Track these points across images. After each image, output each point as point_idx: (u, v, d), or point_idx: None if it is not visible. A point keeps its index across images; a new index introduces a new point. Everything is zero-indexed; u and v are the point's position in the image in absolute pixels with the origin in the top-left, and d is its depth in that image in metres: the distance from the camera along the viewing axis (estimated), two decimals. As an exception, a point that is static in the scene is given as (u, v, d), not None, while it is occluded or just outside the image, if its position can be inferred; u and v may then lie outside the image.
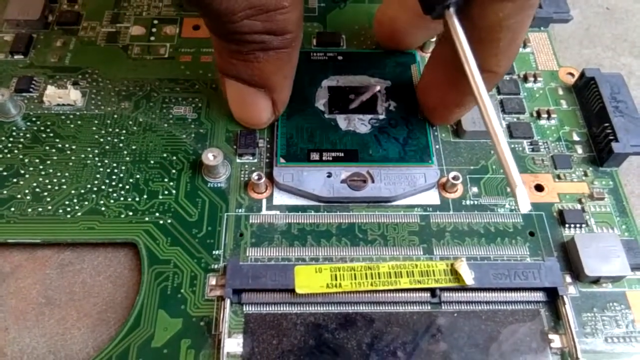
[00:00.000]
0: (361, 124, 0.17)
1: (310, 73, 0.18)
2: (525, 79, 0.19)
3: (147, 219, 0.16)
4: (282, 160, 0.16)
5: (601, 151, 0.17)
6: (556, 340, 0.14)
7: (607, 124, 0.17)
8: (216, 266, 0.15)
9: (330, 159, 0.16)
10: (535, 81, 0.19)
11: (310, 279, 0.14)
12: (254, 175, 0.16)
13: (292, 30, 0.14)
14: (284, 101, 0.17)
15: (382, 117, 0.17)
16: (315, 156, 0.16)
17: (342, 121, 0.17)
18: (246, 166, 0.17)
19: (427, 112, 0.17)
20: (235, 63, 0.15)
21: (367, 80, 0.18)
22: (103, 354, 0.14)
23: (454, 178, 0.16)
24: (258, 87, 0.16)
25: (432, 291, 0.15)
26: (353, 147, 0.17)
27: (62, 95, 0.18)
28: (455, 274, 0.14)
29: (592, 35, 0.21)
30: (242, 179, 0.17)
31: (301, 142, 0.17)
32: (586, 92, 0.18)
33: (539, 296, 0.15)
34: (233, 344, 0.14)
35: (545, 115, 0.18)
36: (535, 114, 0.18)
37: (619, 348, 0.14)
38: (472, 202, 0.16)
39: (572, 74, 0.19)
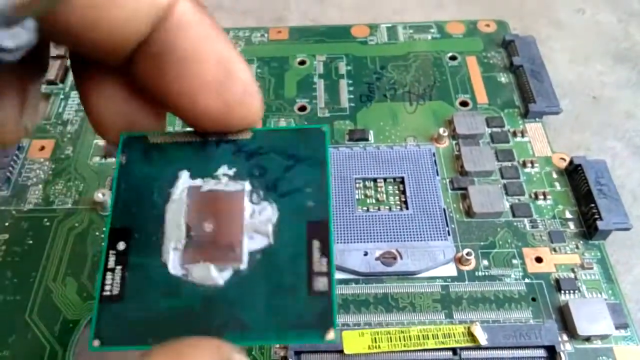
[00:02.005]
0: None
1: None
2: (524, 164, 0.23)
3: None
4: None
5: (589, 227, 0.21)
6: (556, 389, 0.17)
7: (592, 205, 0.21)
8: (278, 332, 0.19)
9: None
10: (532, 166, 0.23)
11: (355, 342, 0.18)
12: (305, 255, 0.20)
13: None
14: None
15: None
16: None
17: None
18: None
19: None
20: None
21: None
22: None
23: (467, 254, 0.20)
24: None
25: (454, 350, 0.18)
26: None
27: None
28: (471, 335, 0.18)
29: (581, 122, 0.25)
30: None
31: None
32: (575, 176, 0.22)
33: (541, 352, 0.18)
34: (295, 396, 0.17)
35: (542, 196, 0.22)
36: (533, 196, 0.22)
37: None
38: (483, 273, 0.20)
39: (564, 159, 0.23)
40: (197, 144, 0.12)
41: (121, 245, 0.11)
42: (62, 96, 0.26)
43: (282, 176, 0.11)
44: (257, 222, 0.11)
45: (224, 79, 0.11)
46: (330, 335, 0.10)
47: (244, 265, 0.11)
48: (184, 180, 0.11)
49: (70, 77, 0.26)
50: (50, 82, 0.26)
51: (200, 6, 0.11)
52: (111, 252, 0.11)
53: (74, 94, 0.25)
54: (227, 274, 0.10)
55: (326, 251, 0.10)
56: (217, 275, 0.10)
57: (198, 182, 0.11)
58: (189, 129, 0.12)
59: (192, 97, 0.11)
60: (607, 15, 0.29)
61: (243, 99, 0.11)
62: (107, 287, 0.11)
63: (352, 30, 0.28)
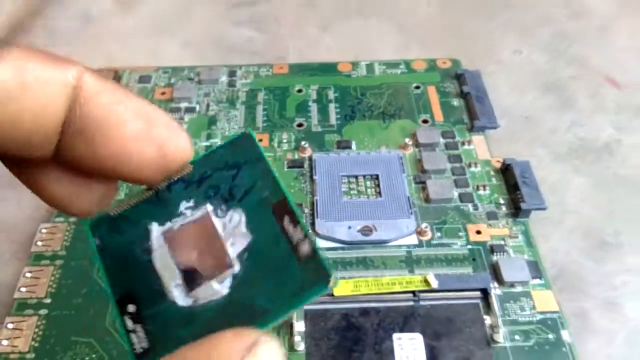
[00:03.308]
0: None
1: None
2: (469, 165, 0.30)
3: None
4: None
5: (516, 208, 0.27)
6: (487, 320, 0.24)
7: (518, 192, 0.27)
8: (285, 283, 0.25)
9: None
10: (475, 167, 0.29)
11: (342, 287, 0.24)
12: (304, 229, 0.26)
13: None
14: None
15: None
16: None
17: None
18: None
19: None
20: None
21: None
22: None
23: (425, 227, 0.27)
24: None
25: (414, 293, 0.24)
26: None
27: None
28: (426, 282, 0.24)
29: (515, 136, 0.32)
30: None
31: None
32: (507, 172, 0.29)
33: (477, 294, 0.24)
34: (299, 325, 0.23)
35: (482, 188, 0.29)
36: (475, 187, 0.29)
37: (522, 320, 0.24)
38: (437, 242, 0.26)
39: (499, 161, 0.30)
40: (152, 197, 0.13)
41: (131, 308, 0.12)
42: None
43: (232, 184, 0.12)
44: (231, 229, 0.12)
45: (147, 128, 0.11)
46: (332, 282, 0.11)
47: (237, 267, 0.12)
48: (156, 230, 0.12)
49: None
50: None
51: (99, 73, 0.12)
52: (125, 317, 0.12)
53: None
54: (227, 281, 0.12)
55: (294, 220, 0.12)
56: (219, 287, 0.12)
57: (168, 225, 0.12)
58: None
59: (124, 155, 0.11)
60: (539, 55, 0.37)
61: (170, 137, 0.12)
62: (137, 346, 0.11)
63: (338, 66, 0.35)
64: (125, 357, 0.14)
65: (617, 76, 0.35)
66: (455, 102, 0.33)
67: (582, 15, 0.40)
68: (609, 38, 0.38)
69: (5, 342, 0.23)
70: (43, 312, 0.24)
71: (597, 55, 0.37)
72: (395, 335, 0.23)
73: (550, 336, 0.23)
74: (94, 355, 0.23)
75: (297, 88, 0.34)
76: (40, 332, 0.23)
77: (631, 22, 0.39)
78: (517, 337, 0.23)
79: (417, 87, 0.34)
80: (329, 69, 0.35)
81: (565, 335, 0.23)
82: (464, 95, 0.33)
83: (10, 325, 0.23)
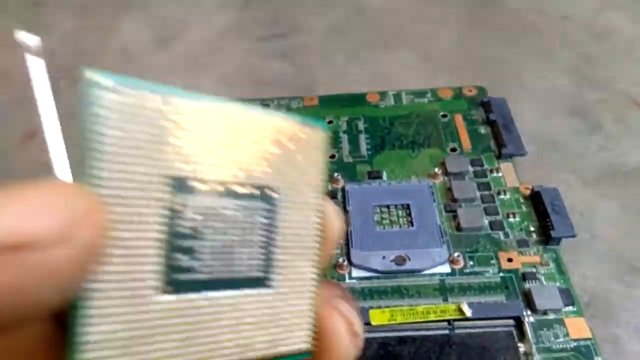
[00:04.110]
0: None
1: None
2: (498, 193, 0.30)
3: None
4: None
5: (546, 236, 0.28)
6: (521, 347, 0.25)
7: (548, 219, 0.28)
8: (323, 312, 0.26)
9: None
10: (505, 194, 0.30)
11: (378, 317, 0.25)
12: (340, 259, 0.28)
13: None
14: None
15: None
16: None
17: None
18: (334, 253, 0.29)
19: None
20: None
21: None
22: None
23: (457, 256, 0.28)
24: None
25: (448, 322, 0.25)
26: None
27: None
28: (460, 310, 0.25)
29: (542, 162, 0.33)
30: (332, 262, 0.28)
31: None
32: (536, 200, 0.30)
33: (511, 322, 0.25)
34: (338, 354, 0.25)
35: (512, 215, 0.29)
36: (505, 215, 0.30)
37: (556, 347, 0.25)
38: (469, 270, 0.27)
39: (528, 188, 0.31)
40: None
41: None
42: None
43: None
44: None
45: None
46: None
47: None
48: None
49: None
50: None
51: None
52: None
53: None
54: None
55: None
56: None
57: None
58: None
59: None
60: (563, 80, 0.38)
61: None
62: None
63: (367, 97, 0.37)
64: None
65: (643, 99, 0.36)
66: (482, 129, 0.34)
67: (604, 38, 0.41)
68: (633, 59, 0.39)
69: None
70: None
71: (623, 78, 0.37)
72: (432, 364, 0.24)
73: (584, 363, 0.24)
74: None
75: (327, 120, 0.35)
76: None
77: (656, 43, 0.40)
78: (551, 364, 0.24)
79: (444, 116, 0.35)
80: (357, 99, 0.37)
81: (599, 362, 0.24)
82: (490, 123, 0.34)
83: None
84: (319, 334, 0.11)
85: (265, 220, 0.10)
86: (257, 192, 0.09)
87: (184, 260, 0.08)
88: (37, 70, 0.11)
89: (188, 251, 0.09)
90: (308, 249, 0.10)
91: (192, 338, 0.08)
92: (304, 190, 0.10)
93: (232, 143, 0.09)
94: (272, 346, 0.10)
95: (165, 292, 0.08)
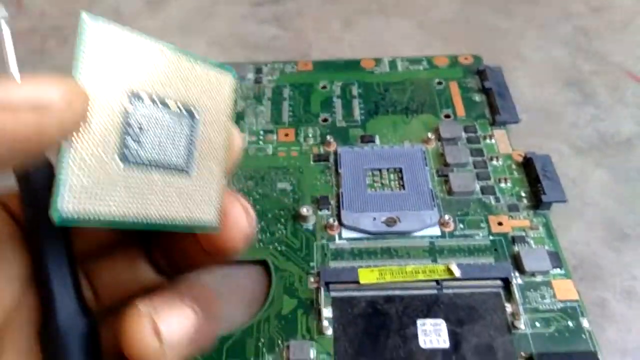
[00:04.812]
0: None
1: None
2: (491, 159, 0.30)
3: (270, 246, 0.27)
4: None
5: (537, 201, 0.28)
6: (508, 307, 0.25)
7: (539, 184, 0.28)
8: (313, 271, 0.26)
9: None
10: (497, 160, 0.30)
11: (367, 276, 0.25)
12: (330, 220, 0.28)
13: None
14: None
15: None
16: None
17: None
18: (325, 214, 0.28)
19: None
20: None
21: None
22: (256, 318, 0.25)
23: (448, 218, 0.28)
24: None
25: (437, 281, 0.25)
26: None
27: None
28: (449, 271, 0.25)
29: (536, 130, 0.33)
30: (322, 223, 0.28)
31: None
32: (528, 166, 0.30)
33: (499, 282, 0.25)
34: (327, 311, 0.25)
35: (504, 181, 0.29)
36: (497, 181, 0.30)
37: (542, 308, 0.25)
38: (459, 233, 0.27)
39: (520, 155, 0.31)
40: None
41: None
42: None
43: None
44: None
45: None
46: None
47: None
48: None
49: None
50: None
51: None
52: None
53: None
54: None
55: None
56: None
57: None
58: None
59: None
60: (559, 51, 0.38)
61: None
62: None
63: (361, 63, 0.36)
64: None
65: (637, 71, 0.36)
66: (477, 97, 0.34)
67: (602, 11, 0.40)
68: (630, 33, 0.39)
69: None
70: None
71: (618, 50, 0.37)
72: (419, 322, 0.24)
73: (570, 323, 0.24)
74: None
75: (321, 84, 0.35)
76: None
77: (653, 16, 0.39)
78: (537, 324, 0.24)
79: (439, 83, 0.35)
80: (352, 65, 0.36)
81: (585, 322, 0.24)
82: (485, 91, 0.34)
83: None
84: (224, 215, 0.14)
85: (187, 130, 0.13)
86: (184, 109, 0.13)
87: (132, 143, 0.12)
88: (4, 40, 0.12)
89: (135, 138, 0.12)
90: (217, 154, 0.14)
91: (136, 195, 0.12)
92: (216, 115, 0.14)
93: (170, 74, 0.13)
94: (189, 211, 0.13)
95: (120, 160, 0.12)
